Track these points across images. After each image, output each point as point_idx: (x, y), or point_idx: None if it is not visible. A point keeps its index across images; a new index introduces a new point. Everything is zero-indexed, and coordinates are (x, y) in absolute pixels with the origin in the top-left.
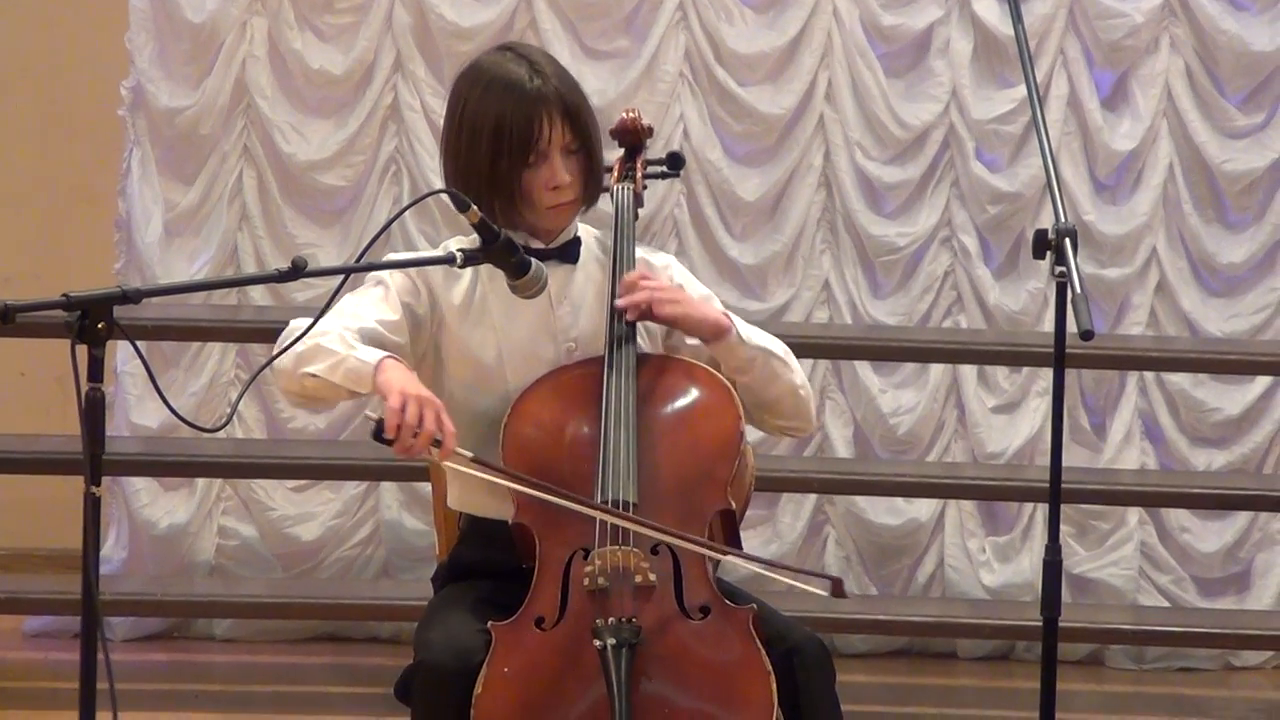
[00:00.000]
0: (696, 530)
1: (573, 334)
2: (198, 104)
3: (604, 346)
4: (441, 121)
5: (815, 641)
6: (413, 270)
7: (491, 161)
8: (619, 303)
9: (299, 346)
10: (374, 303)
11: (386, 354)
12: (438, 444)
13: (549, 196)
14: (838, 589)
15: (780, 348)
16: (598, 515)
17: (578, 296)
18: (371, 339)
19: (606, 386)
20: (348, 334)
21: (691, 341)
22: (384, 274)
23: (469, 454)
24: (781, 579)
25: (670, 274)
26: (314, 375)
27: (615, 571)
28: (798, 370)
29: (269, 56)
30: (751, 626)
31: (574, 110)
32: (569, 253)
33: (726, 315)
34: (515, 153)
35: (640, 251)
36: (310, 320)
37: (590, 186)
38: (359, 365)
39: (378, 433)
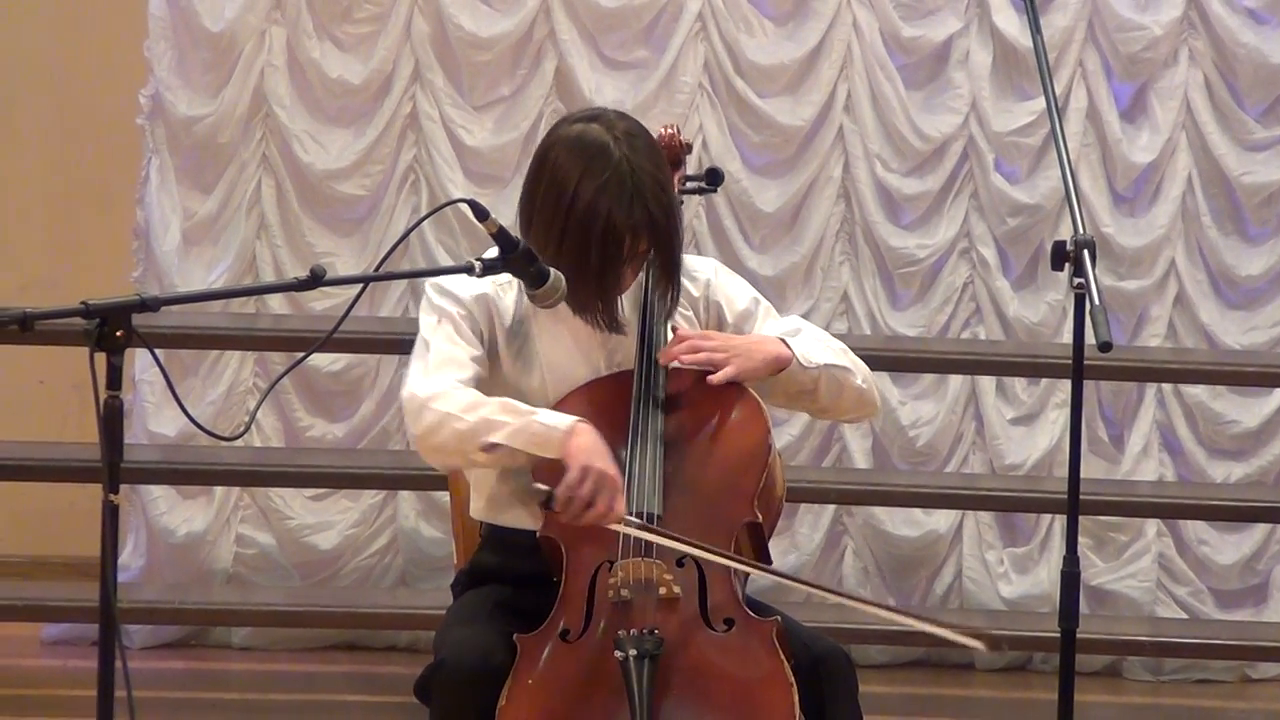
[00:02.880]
0: (723, 543)
1: (618, 358)
2: (216, 113)
3: (634, 360)
4: (460, 131)
5: (840, 653)
6: (467, 298)
7: (600, 263)
8: (660, 356)
9: (458, 424)
10: (454, 341)
11: (578, 419)
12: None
13: (615, 291)
14: (995, 646)
15: (838, 353)
16: (734, 565)
17: (623, 318)
18: (477, 384)
19: (635, 399)
20: (505, 399)
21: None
22: (444, 305)
23: (636, 520)
24: (934, 632)
25: (713, 293)
26: (499, 445)
27: (639, 583)
28: (858, 369)
29: (288, 66)
30: (775, 639)
31: (662, 232)
32: None
33: (783, 342)
34: (615, 256)
35: (684, 262)
36: (423, 382)
37: (667, 280)
38: (546, 431)
39: (547, 501)
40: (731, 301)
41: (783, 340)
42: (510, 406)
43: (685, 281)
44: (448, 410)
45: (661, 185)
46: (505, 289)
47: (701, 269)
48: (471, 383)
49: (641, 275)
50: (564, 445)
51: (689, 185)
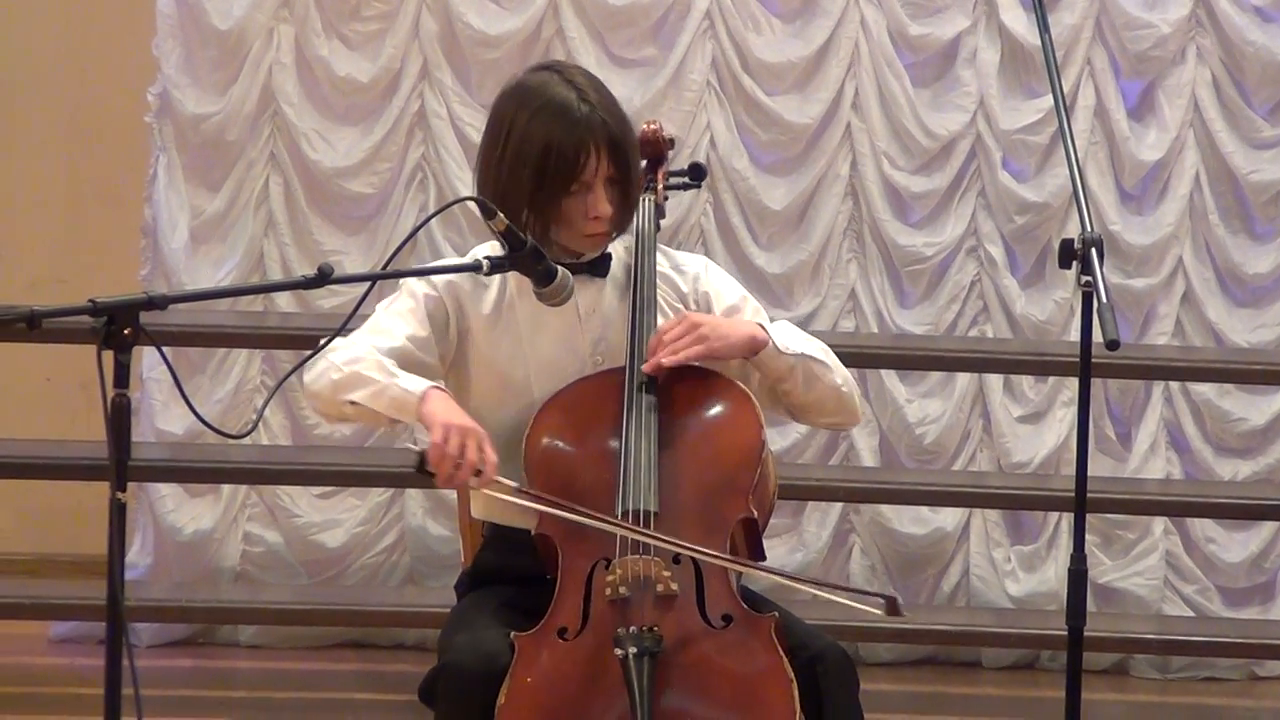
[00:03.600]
0: (718, 539)
1: (601, 348)
2: (224, 111)
3: (625, 357)
4: (468, 129)
5: (838, 650)
6: (440, 282)
7: (534, 186)
8: (645, 369)
9: (334, 374)
10: (403, 317)
11: (431, 384)
12: (478, 473)
13: (589, 225)
14: (893, 607)
15: (818, 348)
16: (644, 539)
17: (606, 310)
18: (403, 358)
19: (627, 396)
20: (386, 360)
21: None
22: (412, 285)
23: (512, 484)
24: (836, 599)
25: (702, 285)
26: (355, 403)
27: (636, 581)
28: (837, 368)
29: (296, 64)
30: (774, 635)
31: (619, 143)
32: (598, 267)
33: (760, 326)
34: (559, 180)
35: (674, 257)
36: (339, 336)
37: (625, 215)
38: (403, 395)
39: (420, 465)
40: (720, 295)
41: (761, 325)
42: (383, 367)
43: (674, 276)
44: (332, 360)
45: (614, 110)
46: (491, 278)
47: (691, 264)
48: (394, 356)
49: (630, 263)
50: (418, 410)
51: (672, 181)
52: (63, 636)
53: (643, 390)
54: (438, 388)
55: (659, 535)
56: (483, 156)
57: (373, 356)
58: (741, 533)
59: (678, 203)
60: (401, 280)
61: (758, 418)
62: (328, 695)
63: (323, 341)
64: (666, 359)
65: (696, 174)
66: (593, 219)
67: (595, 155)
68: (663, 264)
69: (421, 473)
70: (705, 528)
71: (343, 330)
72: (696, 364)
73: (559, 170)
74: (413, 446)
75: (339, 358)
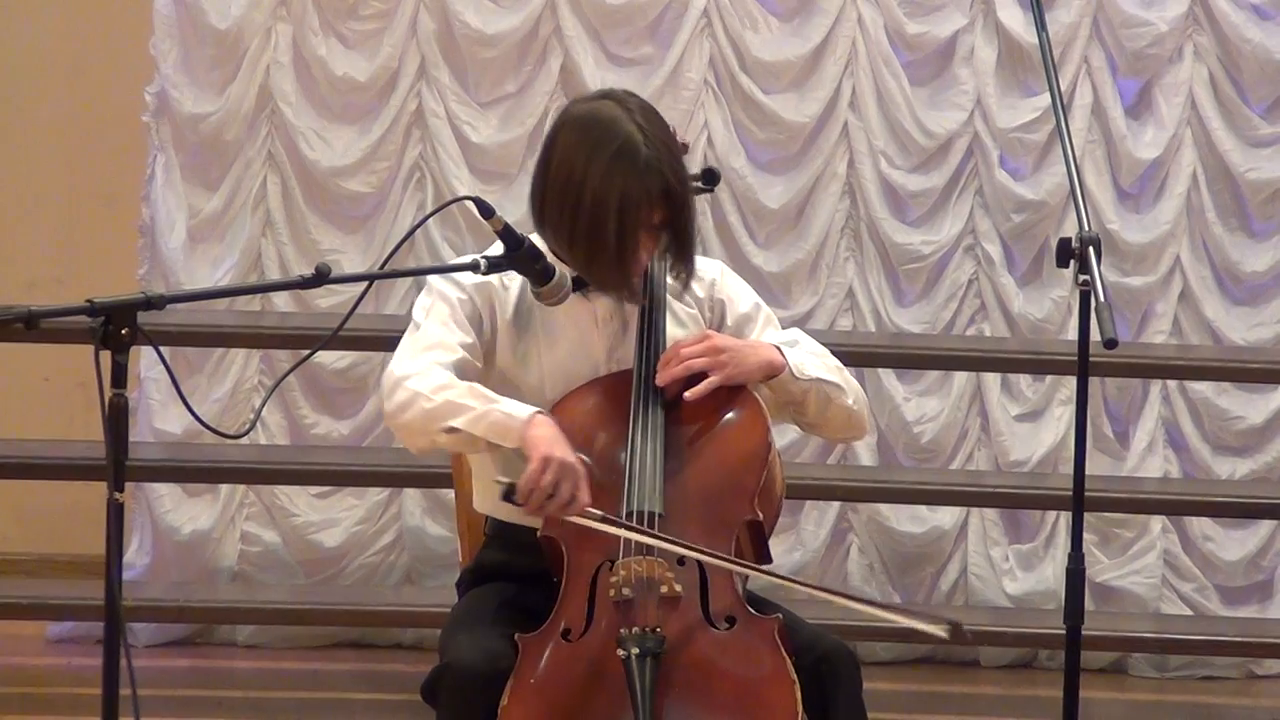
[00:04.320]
0: (724, 541)
1: (617, 355)
2: (222, 110)
3: (633, 359)
4: (466, 128)
5: (844, 650)
6: (468, 284)
7: (611, 233)
8: (659, 382)
9: (426, 403)
10: (448, 326)
11: (535, 410)
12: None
13: (635, 268)
14: (957, 634)
15: (832, 370)
16: (695, 556)
17: (623, 318)
18: (463, 369)
19: (636, 398)
20: (476, 384)
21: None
22: (442, 288)
23: (598, 513)
24: (900, 621)
25: (718, 291)
26: (454, 429)
27: (640, 582)
28: (850, 388)
29: (293, 63)
30: (777, 636)
31: (677, 199)
32: None
33: (778, 349)
34: (625, 229)
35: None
36: (406, 361)
37: (684, 251)
38: (505, 419)
39: (507, 494)
40: (734, 302)
41: (778, 348)
42: (478, 392)
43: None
44: (418, 389)
45: (674, 154)
46: (510, 280)
47: (707, 270)
48: (455, 369)
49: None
50: (522, 435)
51: None
52: (60, 636)
53: (650, 392)
54: (541, 412)
55: (700, 549)
56: (546, 193)
57: (459, 382)
58: (747, 535)
59: None
60: (429, 282)
61: (764, 421)
62: (326, 695)
63: (399, 384)
64: (688, 394)
65: (710, 178)
66: (636, 265)
67: (650, 208)
68: None
69: (507, 500)
70: (710, 530)
71: (339, 330)
72: None
73: (626, 220)
74: (501, 480)
75: (423, 385)
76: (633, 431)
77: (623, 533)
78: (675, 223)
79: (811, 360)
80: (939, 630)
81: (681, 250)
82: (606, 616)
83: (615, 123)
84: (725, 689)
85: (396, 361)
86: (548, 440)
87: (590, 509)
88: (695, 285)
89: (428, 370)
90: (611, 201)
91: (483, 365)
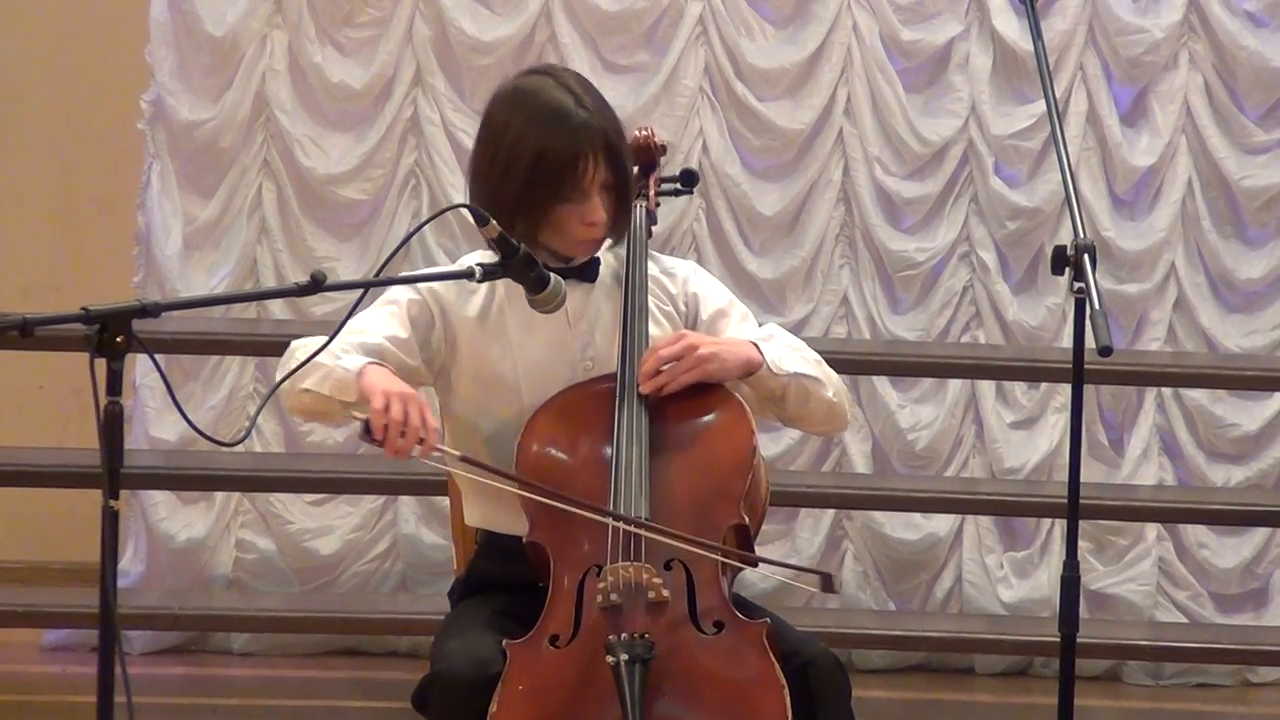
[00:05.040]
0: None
1: (590, 352)
2: (218, 117)
3: (617, 363)
4: (461, 136)
5: (830, 656)
6: (424, 289)
7: (526, 190)
8: (642, 389)
9: (292, 362)
10: (383, 320)
11: (369, 359)
12: (421, 441)
13: (584, 231)
14: (827, 584)
15: (810, 363)
16: (597, 518)
17: (595, 315)
18: (381, 356)
19: (619, 403)
20: (344, 351)
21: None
22: (395, 293)
23: (456, 453)
24: (777, 576)
25: (690, 287)
26: (308, 390)
27: (628, 587)
28: (829, 381)
29: (289, 70)
30: (765, 640)
31: (616, 150)
32: (587, 272)
33: (755, 345)
34: (553, 185)
35: (663, 261)
36: (313, 339)
37: (620, 222)
38: (344, 374)
39: (366, 432)
40: (708, 299)
41: (755, 345)
42: (332, 353)
43: (663, 278)
44: (294, 354)
45: (606, 108)
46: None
47: (680, 268)
48: (369, 353)
49: (620, 269)
50: (357, 385)
51: (664, 187)
52: (55, 644)
53: (634, 397)
54: (374, 362)
55: (628, 519)
56: (475, 160)
57: (334, 348)
58: (734, 539)
59: (670, 208)
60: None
61: (749, 424)
62: (320, 703)
63: (293, 351)
64: (667, 389)
65: (689, 180)
66: (588, 225)
67: (592, 162)
68: (652, 269)
69: (367, 440)
70: (696, 533)
71: (335, 337)
72: None
73: (553, 176)
74: (357, 415)
75: (301, 351)
76: (617, 435)
77: (498, 482)
78: (619, 180)
79: (789, 354)
80: (810, 585)
81: (622, 208)
82: (594, 623)
83: (542, 89)
84: (714, 693)
85: (304, 339)
86: (383, 381)
87: (448, 449)
88: (668, 282)
89: (316, 341)
90: (525, 155)
91: (425, 367)
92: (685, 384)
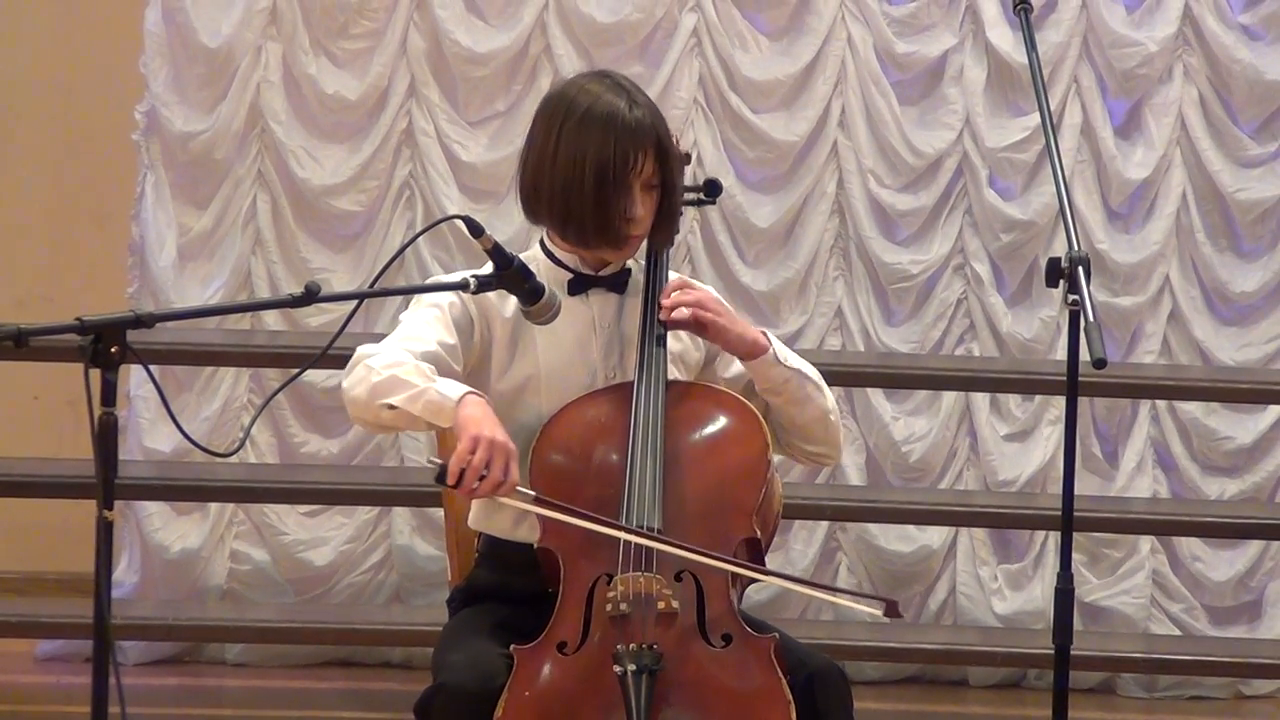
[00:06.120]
0: None
1: (613, 360)
2: (212, 128)
3: (634, 371)
4: (456, 147)
5: (835, 669)
6: (465, 294)
7: (592, 191)
8: (665, 302)
9: (374, 377)
10: (430, 324)
11: (470, 390)
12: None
13: (621, 226)
14: (892, 610)
15: (813, 372)
16: (638, 540)
17: (622, 324)
18: (435, 363)
19: (634, 412)
20: (423, 364)
21: (726, 374)
22: (437, 296)
23: (531, 493)
24: (835, 600)
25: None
26: (393, 407)
27: (638, 598)
28: (829, 396)
29: (283, 81)
30: (773, 655)
31: (664, 150)
32: (617, 282)
33: (765, 334)
34: (609, 184)
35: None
36: (377, 345)
37: (665, 225)
38: (440, 399)
39: (439, 477)
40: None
41: (764, 333)
42: (421, 371)
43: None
44: (372, 365)
45: (656, 111)
46: None
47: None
48: (427, 360)
49: (641, 280)
50: (454, 414)
51: (687, 196)
52: (49, 655)
53: (650, 407)
54: (474, 393)
55: (670, 540)
56: (527, 163)
57: (411, 361)
58: (745, 551)
59: None
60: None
61: (764, 437)
62: (314, 713)
63: (361, 359)
64: (688, 297)
65: (712, 190)
66: (626, 220)
67: (641, 157)
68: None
69: (440, 484)
70: (708, 545)
71: (329, 349)
72: (697, 377)
73: (610, 175)
74: (434, 460)
75: (377, 362)
76: (632, 445)
77: (565, 518)
78: (662, 180)
79: (794, 356)
80: (875, 609)
81: (665, 212)
82: (602, 631)
83: (598, 92)
84: (720, 706)
85: (368, 347)
86: (477, 420)
87: (523, 489)
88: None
89: (388, 350)
90: (585, 156)
91: (465, 370)
92: (692, 319)
